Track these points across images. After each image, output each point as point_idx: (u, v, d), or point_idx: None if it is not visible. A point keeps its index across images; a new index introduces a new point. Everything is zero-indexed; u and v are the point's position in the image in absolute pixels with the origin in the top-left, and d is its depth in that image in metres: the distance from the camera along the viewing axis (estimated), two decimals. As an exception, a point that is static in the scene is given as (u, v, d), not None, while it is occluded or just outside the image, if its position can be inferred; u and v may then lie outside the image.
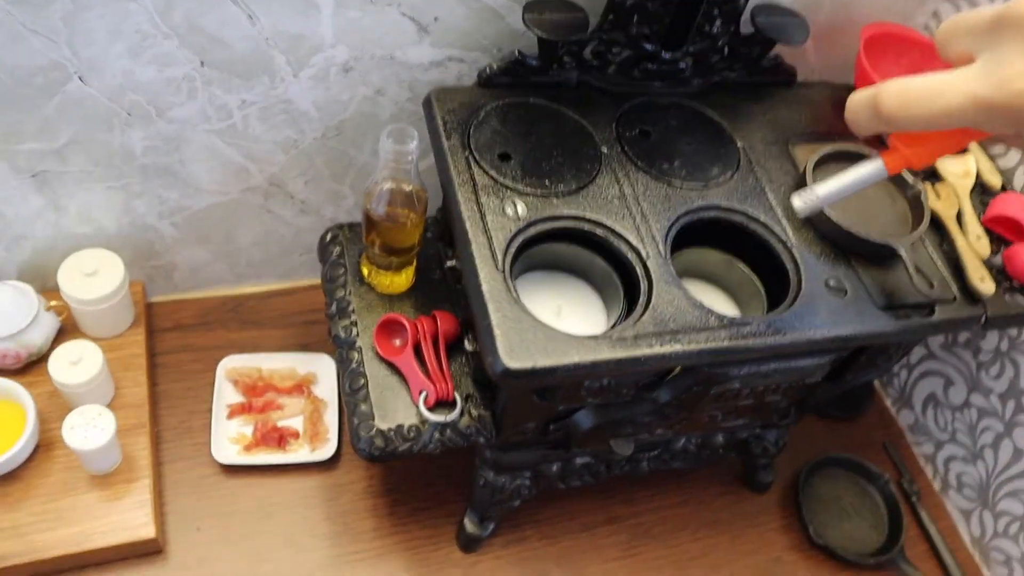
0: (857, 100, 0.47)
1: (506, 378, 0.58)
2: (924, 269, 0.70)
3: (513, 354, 0.58)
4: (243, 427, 0.85)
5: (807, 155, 0.77)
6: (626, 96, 0.77)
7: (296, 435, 0.85)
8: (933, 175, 0.79)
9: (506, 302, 0.60)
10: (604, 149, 0.73)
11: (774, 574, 0.86)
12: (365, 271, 0.78)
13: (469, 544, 0.82)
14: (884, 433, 0.99)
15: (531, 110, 0.74)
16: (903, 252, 0.68)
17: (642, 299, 0.64)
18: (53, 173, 0.76)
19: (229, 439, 0.84)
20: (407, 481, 0.86)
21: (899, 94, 0.44)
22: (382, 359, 0.73)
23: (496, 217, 0.65)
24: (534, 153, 0.71)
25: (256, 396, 0.87)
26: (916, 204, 0.73)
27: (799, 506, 0.89)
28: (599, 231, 0.67)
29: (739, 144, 0.76)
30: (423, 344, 0.72)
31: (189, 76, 0.71)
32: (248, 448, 0.83)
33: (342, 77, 0.75)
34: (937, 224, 0.74)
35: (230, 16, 0.67)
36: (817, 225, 0.71)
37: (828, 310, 0.66)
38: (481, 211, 0.65)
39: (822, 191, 0.57)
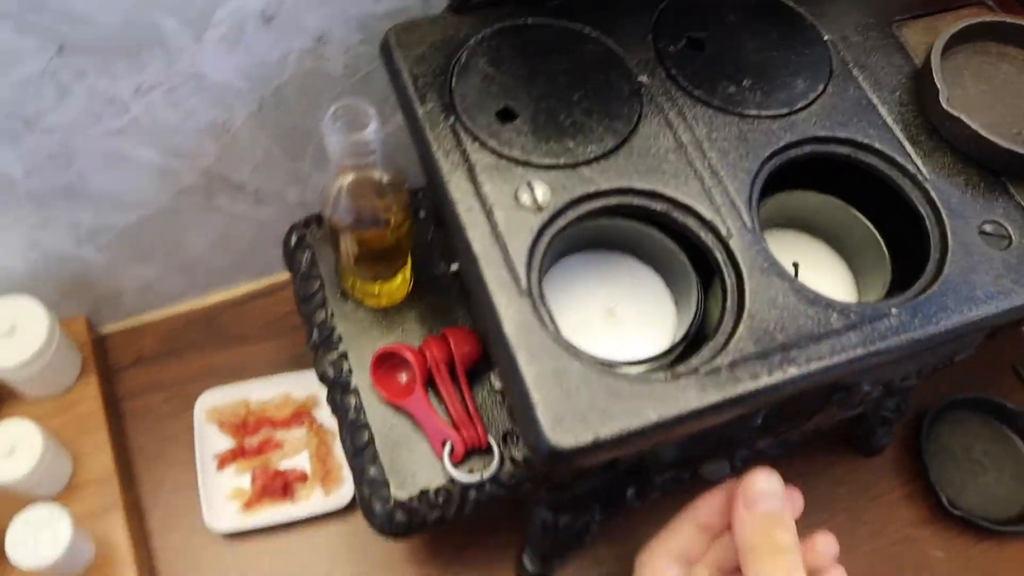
0: None
1: (556, 460, 0.41)
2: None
3: (562, 426, 0.40)
4: (239, 478, 0.69)
5: (926, 37, 0.55)
6: (660, -9, 0.56)
7: (304, 478, 0.70)
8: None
9: (541, 346, 0.42)
10: (643, 78, 0.52)
11: (902, 558, 0.71)
12: (347, 284, 0.59)
13: (533, 585, 0.67)
14: (1013, 354, 0.81)
15: (532, 37, 0.52)
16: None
17: (730, 302, 0.45)
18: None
19: (224, 496, 0.68)
20: (447, 508, 0.71)
21: None
22: (388, 401, 0.56)
23: (508, 212, 0.46)
24: (547, 102, 0.50)
25: (248, 436, 0.71)
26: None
27: (924, 468, 0.72)
28: (656, 205, 0.48)
29: (827, 38, 0.55)
30: (436, 376, 0.55)
31: (49, 70, 0.50)
32: (249, 505, 0.68)
33: (264, 30, 0.54)
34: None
35: (80, -23, 0.46)
36: (956, 143, 0.50)
37: (990, 270, 0.47)
38: (485, 208, 0.46)
39: None
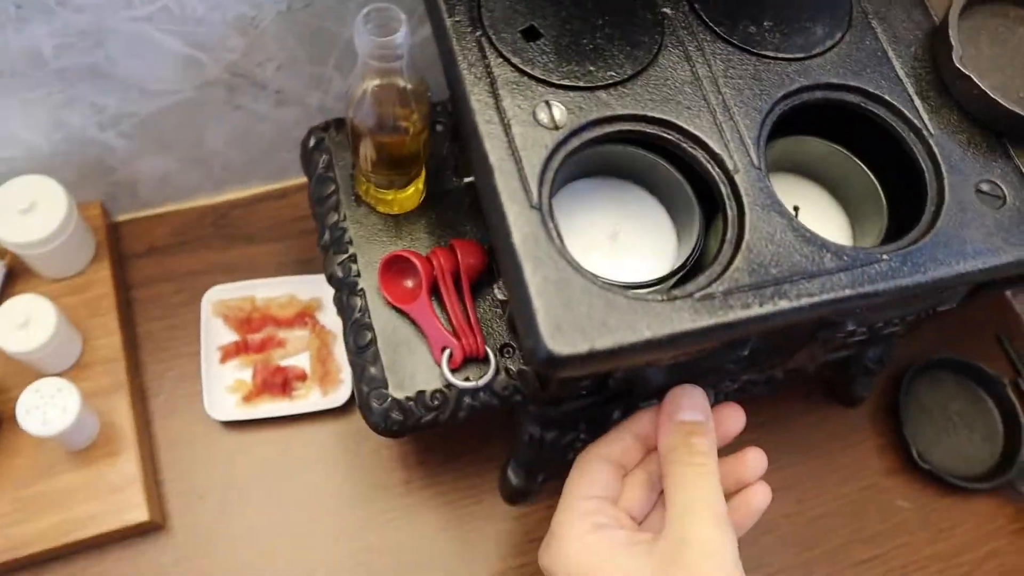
0: None
1: (552, 366, 0.43)
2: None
3: (561, 334, 0.42)
4: (240, 371, 0.72)
5: (948, -3, 0.56)
6: (692, -75, 0.56)
7: (303, 376, 0.72)
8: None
9: (547, 257, 0.44)
10: (666, 10, 0.53)
11: (868, 504, 0.74)
12: (361, 189, 0.61)
13: (515, 497, 0.70)
14: (998, 323, 0.84)
15: (563, -40, 0.53)
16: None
17: (730, 233, 0.47)
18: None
19: (225, 388, 0.71)
20: (438, 419, 0.74)
21: None
22: (392, 305, 0.58)
23: (525, 128, 0.47)
24: (571, 25, 0.51)
25: (252, 332, 0.73)
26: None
27: (899, 422, 0.75)
28: (668, 134, 0.49)
29: (852, -13, 0.55)
30: (441, 285, 0.57)
31: (87, -53, 0.51)
32: (248, 398, 0.71)
33: (300, -72, 0.55)
34: None
35: None
36: (964, 102, 0.52)
37: (981, 227, 0.49)
38: (504, 121, 0.47)
39: None
